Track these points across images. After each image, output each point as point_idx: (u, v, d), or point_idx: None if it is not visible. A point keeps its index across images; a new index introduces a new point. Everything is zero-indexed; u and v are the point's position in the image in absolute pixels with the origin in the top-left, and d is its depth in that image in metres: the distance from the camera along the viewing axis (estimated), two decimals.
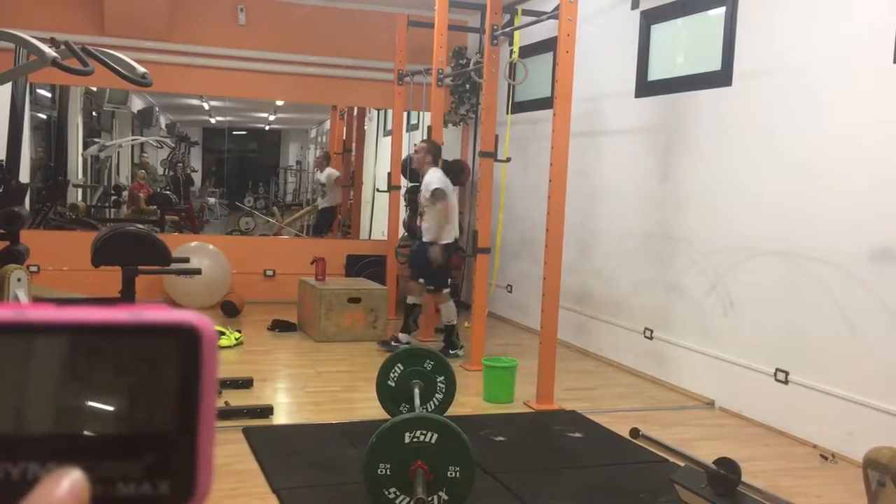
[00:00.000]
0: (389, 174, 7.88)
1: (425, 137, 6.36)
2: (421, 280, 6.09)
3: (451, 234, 6.02)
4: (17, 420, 0.35)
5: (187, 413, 0.36)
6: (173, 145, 11.92)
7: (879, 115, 4.00)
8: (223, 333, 6.09)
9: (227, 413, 4.28)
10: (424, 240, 6.05)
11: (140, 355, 0.36)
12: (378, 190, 9.21)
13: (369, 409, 4.38)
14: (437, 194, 5.88)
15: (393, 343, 6.02)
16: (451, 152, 8.16)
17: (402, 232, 8.07)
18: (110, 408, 0.36)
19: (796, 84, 4.48)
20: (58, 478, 0.34)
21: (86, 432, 0.36)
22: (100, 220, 9.56)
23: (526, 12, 6.06)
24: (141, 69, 3.77)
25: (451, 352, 5.86)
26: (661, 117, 5.61)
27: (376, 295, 6.62)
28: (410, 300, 6.19)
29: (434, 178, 5.98)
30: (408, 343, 5.95)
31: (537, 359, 4.91)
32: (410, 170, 7.78)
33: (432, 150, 6.13)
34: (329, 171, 9.94)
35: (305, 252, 7.58)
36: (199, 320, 0.36)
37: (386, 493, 2.98)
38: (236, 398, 4.60)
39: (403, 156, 7.80)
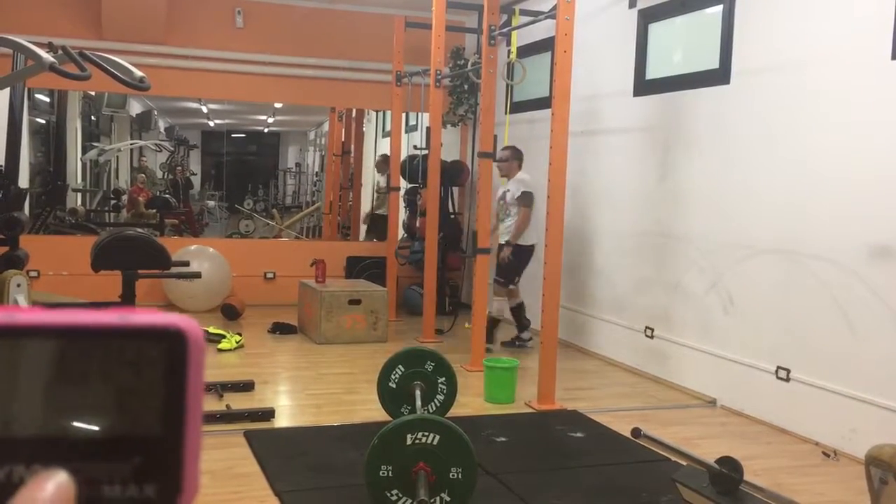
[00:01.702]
0: (389, 175, 7.88)
1: (508, 145, 6.25)
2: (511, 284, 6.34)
3: (530, 238, 6.12)
4: (3, 422, 0.35)
5: (174, 416, 0.36)
6: (172, 149, 11.92)
7: (878, 111, 4.00)
8: (224, 336, 6.09)
9: (229, 416, 4.28)
10: (502, 241, 6.23)
11: (127, 358, 0.36)
12: (377, 191, 9.21)
13: (370, 411, 4.38)
14: (526, 198, 6.03)
15: (517, 343, 6.38)
16: (449, 153, 8.16)
17: (401, 233, 8.08)
18: (97, 410, 0.36)
19: (794, 81, 4.48)
20: (43, 480, 0.34)
21: (72, 435, 0.36)
22: (99, 224, 9.56)
23: (523, 12, 6.07)
24: (139, 73, 3.77)
25: (519, 341, 6.34)
26: (659, 116, 5.61)
27: (376, 296, 6.62)
28: (513, 303, 6.38)
29: (524, 181, 6.12)
30: (530, 339, 6.33)
31: (538, 359, 4.91)
32: (409, 169, 7.79)
33: (518, 156, 6.23)
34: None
35: (305, 254, 7.58)
36: (185, 323, 0.36)
37: (388, 494, 2.98)
38: (237, 401, 4.60)
39: (402, 157, 7.81)
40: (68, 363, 0.36)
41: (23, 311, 0.36)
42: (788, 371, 4.48)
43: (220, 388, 4.74)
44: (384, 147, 8.98)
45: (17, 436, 0.35)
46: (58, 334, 0.35)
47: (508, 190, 6.20)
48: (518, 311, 6.41)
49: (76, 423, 0.36)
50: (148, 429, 0.36)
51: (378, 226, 9.21)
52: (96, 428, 0.36)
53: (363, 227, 9.82)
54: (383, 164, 9.20)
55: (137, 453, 0.36)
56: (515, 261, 6.14)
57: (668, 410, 4.90)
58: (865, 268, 4.04)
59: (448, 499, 3.00)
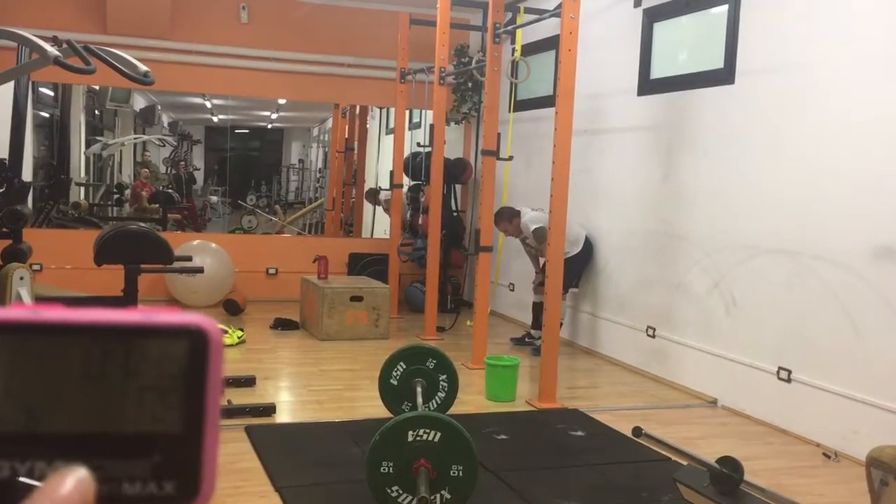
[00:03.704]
0: (391, 172, 7.88)
1: (496, 213, 6.06)
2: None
3: (568, 249, 6.00)
4: (27, 418, 0.36)
5: (194, 414, 0.37)
6: (175, 144, 11.91)
7: (883, 112, 3.99)
8: (226, 332, 6.10)
9: (230, 411, 4.28)
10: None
11: (149, 356, 0.36)
12: (380, 188, 9.21)
13: (371, 407, 4.38)
14: (539, 234, 5.94)
15: (527, 339, 6.41)
16: (453, 151, 8.16)
17: (403, 231, 8.08)
18: (119, 407, 0.36)
19: (799, 81, 4.47)
20: (63, 476, 0.35)
21: (93, 431, 0.36)
22: (102, 218, 9.57)
23: (528, 10, 6.07)
24: (143, 68, 3.77)
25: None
26: (663, 115, 5.61)
27: (379, 293, 6.62)
28: (537, 299, 6.37)
29: (529, 219, 6.10)
30: (540, 338, 6.18)
31: (539, 357, 4.91)
32: (412, 166, 7.79)
33: (506, 215, 6.18)
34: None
35: (308, 250, 7.58)
36: (206, 323, 0.37)
37: (389, 491, 2.98)
38: (239, 397, 4.60)
39: (405, 154, 7.81)
40: (91, 361, 0.36)
41: (47, 309, 0.36)
42: (790, 371, 4.48)
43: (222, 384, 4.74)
44: (388, 144, 8.97)
45: (40, 432, 0.36)
46: (81, 332, 0.36)
47: (526, 237, 6.24)
48: (539, 308, 6.42)
49: (97, 420, 0.36)
50: (168, 426, 0.36)
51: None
52: (117, 425, 0.36)
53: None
54: (371, 196, 9.15)
55: (157, 451, 0.36)
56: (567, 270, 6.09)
57: (668, 410, 4.90)
58: (869, 269, 4.04)
59: (448, 496, 3.00)
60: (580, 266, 6.22)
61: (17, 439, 0.35)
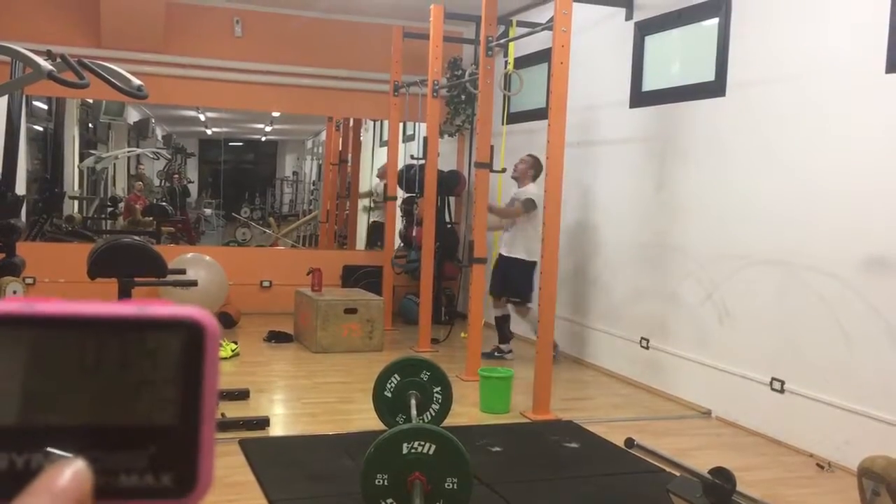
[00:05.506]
0: (385, 184, 7.89)
1: (530, 153, 6.17)
2: (504, 297, 6.28)
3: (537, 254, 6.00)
4: (23, 411, 0.36)
5: (190, 406, 0.37)
6: (169, 157, 11.93)
7: (873, 124, 4.02)
8: (220, 345, 6.08)
9: (224, 425, 4.27)
10: (508, 255, 6.18)
11: (145, 349, 0.36)
12: (375, 201, 9.23)
13: (366, 420, 4.37)
14: (528, 204, 5.95)
15: (496, 354, 6.32)
16: (446, 163, 8.18)
17: (398, 242, 8.09)
18: (115, 400, 0.36)
19: (790, 94, 4.51)
20: (60, 467, 0.35)
21: (90, 424, 0.36)
22: (96, 231, 9.55)
23: (521, 23, 6.09)
24: (137, 81, 3.78)
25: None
26: (655, 127, 5.64)
27: (373, 305, 6.62)
28: (498, 313, 6.37)
29: (531, 190, 6.04)
30: (510, 351, 6.33)
31: (533, 369, 4.91)
32: (406, 179, 7.80)
33: (535, 166, 6.12)
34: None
35: (302, 263, 7.58)
36: (202, 315, 0.37)
37: None
38: (232, 410, 4.59)
39: (399, 166, 7.83)
40: (87, 353, 0.36)
41: (42, 302, 0.36)
42: (783, 382, 4.49)
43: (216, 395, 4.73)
44: (381, 156, 8.99)
45: (36, 425, 0.36)
46: (76, 325, 0.36)
47: (518, 200, 6.16)
48: (502, 321, 6.38)
49: (94, 413, 0.36)
50: (165, 418, 0.36)
51: (377, 233, 9.06)
52: (114, 417, 0.36)
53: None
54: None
55: (154, 443, 0.36)
56: (528, 278, 6.00)
57: (662, 421, 4.90)
58: (861, 279, 4.06)
59: None
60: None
61: (14, 432, 0.36)
